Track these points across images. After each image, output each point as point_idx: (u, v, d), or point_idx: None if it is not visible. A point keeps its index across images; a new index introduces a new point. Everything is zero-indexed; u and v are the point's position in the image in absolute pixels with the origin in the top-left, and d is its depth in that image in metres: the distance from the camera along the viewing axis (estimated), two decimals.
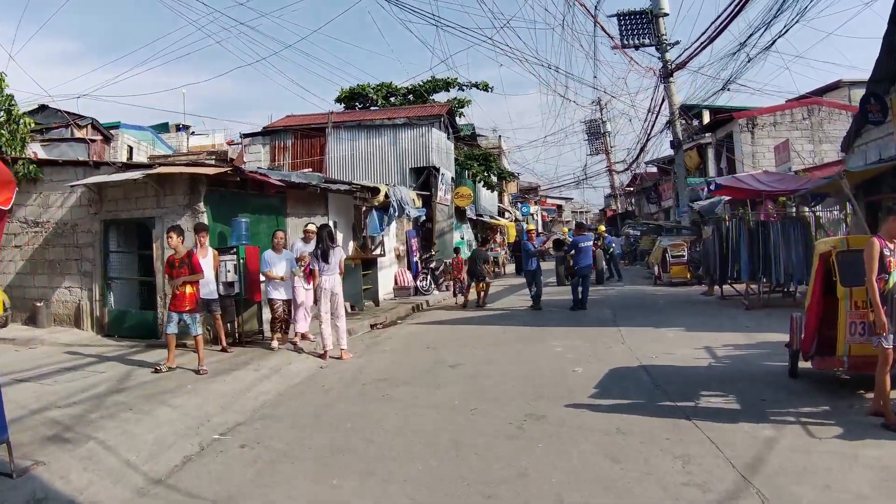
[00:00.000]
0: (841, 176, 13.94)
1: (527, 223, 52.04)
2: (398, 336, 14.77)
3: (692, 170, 41.63)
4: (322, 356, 11.76)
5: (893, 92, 15.26)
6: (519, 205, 63.93)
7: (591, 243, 18.52)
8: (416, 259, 24.40)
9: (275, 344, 12.17)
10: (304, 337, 12.73)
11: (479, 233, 38.67)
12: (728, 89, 25.73)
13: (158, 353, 11.49)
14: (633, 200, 67.21)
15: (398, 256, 23.15)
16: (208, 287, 11.63)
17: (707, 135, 36.69)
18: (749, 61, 21.99)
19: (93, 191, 13.78)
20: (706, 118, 35.82)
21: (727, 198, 22.72)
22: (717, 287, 20.04)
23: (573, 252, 18.40)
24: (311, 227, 12.89)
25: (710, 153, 38.57)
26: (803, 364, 8.85)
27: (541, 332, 14.00)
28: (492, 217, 42.68)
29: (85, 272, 13.96)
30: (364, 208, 19.48)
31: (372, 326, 16.04)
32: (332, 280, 11.80)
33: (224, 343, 12.10)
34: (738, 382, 8.80)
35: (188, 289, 10.50)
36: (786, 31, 19.09)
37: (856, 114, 18.32)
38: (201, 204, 12.84)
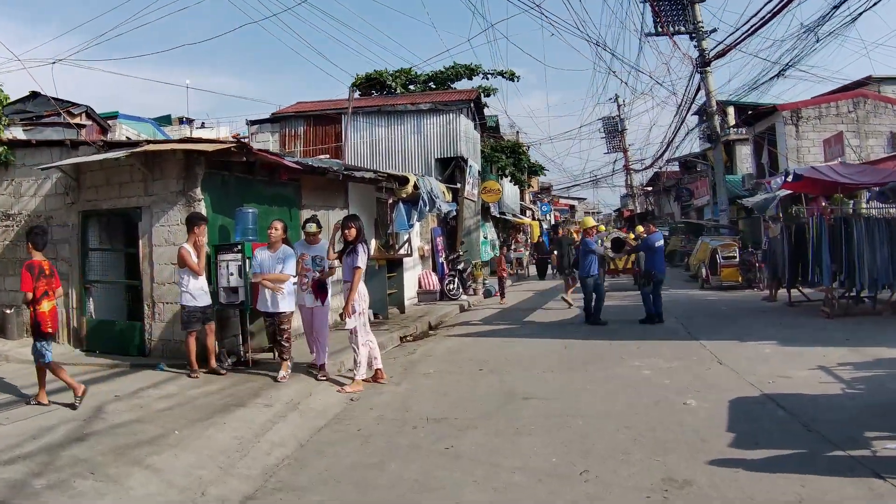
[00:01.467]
0: None
1: (550, 222, 49.68)
2: (438, 352, 12.37)
3: (706, 168, 39.54)
4: (348, 384, 9.16)
5: None
6: (538, 203, 61.47)
7: (662, 243, 15.81)
8: (441, 260, 21.94)
9: (283, 374, 9.25)
10: (321, 368, 9.67)
11: (500, 232, 36.15)
12: (784, 75, 23.28)
13: (144, 377, 9.17)
14: (651, 200, 65.01)
15: (422, 256, 20.68)
16: (205, 296, 9.70)
17: (736, 130, 34.53)
18: (818, 41, 19.43)
19: (70, 176, 11.39)
20: (731, 116, 33.46)
21: (784, 193, 20.31)
22: (777, 292, 18.31)
23: (644, 253, 15.88)
24: (312, 228, 9.70)
25: (744, 149, 36.35)
26: None
27: (611, 349, 11.80)
28: (514, 215, 40.11)
29: (60, 274, 11.35)
30: (391, 201, 16.79)
31: (402, 339, 13.71)
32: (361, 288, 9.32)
33: (213, 363, 9.77)
34: None
35: (45, 305, 7.90)
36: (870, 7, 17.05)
37: None
38: (198, 190, 10.32)
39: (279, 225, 9.51)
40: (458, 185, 23.40)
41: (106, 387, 8.85)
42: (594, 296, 15.06)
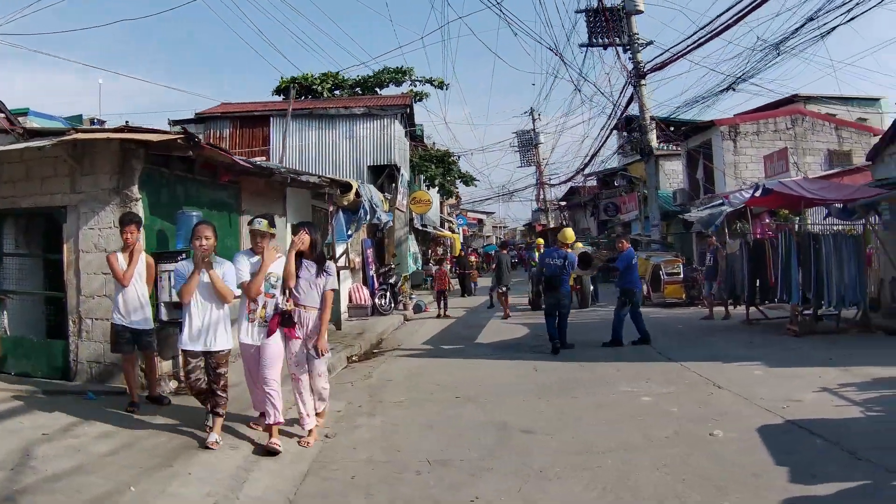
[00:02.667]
0: None
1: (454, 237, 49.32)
2: (397, 375, 11.63)
3: (638, 183, 39.97)
4: (302, 439, 7.43)
5: None
6: (456, 217, 61.29)
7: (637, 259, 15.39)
8: (372, 273, 21.18)
9: (214, 439, 6.90)
10: (268, 429, 7.13)
11: (421, 245, 35.53)
12: (734, 89, 23.51)
13: (74, 407, 7.98)
14: (566, 214, 65.69)
15: (353, 269, 19.85)
16: (140, 312, 8.29)
17: (662, 146, 34.92)
18: (779, 55, 19.61)
19: None
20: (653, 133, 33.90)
21: (731, 209, 20.43)
22: (714, 309, 18.82)
23: (621, 270, 14.95)
24: (261, 227, 7.10)
25: (670, 165, 36.83)
26: None
27: (588, 373, 11.39)
28: (436, 228, 39.57)
29: None
30: (331, 209, 15.94)
31: (349, 360, 12.97)
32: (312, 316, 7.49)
33: (155, 390, 8.67)
34: None
35: None
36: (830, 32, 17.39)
37: None
38: (135, 188, 9.17)
39: (210, 233, 6.99)
40: (390, 195, 22.74)
41: (29, 420, 7.61)
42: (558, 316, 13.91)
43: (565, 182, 54.79)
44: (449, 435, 7.72)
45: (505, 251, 25.43)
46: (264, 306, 7.08)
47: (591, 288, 23.40)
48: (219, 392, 7.03)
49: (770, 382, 9.98)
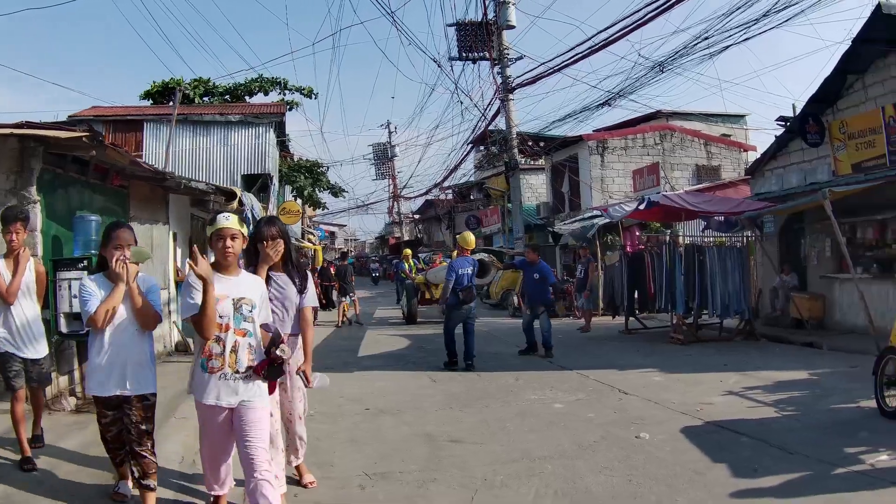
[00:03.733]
0: (825, 195, 12.88)
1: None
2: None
3: (497, 196, 40.93)
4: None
5: (830, 114, 15.88)
6: (316, 228, 60.87)
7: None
8: None
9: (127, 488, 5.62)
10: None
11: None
12: (610, 105, 24.42)
13: None
14: (420, 227, 66.49)
15: None
16: (29, 334, 6.61)
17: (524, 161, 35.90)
18: (662, 72, 20.47)
19: None
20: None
21: (604, 221, 21.30)
22: (591, 321, 19.04)
23: (536, 282, 14.67)
24: (230, 223, 4.81)
25: (532, 179, 37.86)
26: None
27: (490, 383, 11.55)
28: (298, 240, 39.15)
29: None
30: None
31: None
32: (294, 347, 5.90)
33: (39, 427, 6.97)
34: (858, 431, 7.55)
35: None
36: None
37: (780, 135, 18.20)
38: (33, 189, 8.47)
39: (133, 240, 5.26)
40: (264, 205, 22.41)
41: None
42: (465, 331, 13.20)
43: (423, 195, 55.38)
44: (377, 448, 7.63)
45: (345, 262, 25.65)
46: (234, 349, 4.73)
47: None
48: (144, 454, 5.13)
49: (674, 388, 10.51)
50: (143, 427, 5.14)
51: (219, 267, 4.82)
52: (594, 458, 6.98)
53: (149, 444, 5.17)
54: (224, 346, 4.70)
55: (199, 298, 4.55)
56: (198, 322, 4.60)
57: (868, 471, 6.24)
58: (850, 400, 9.03)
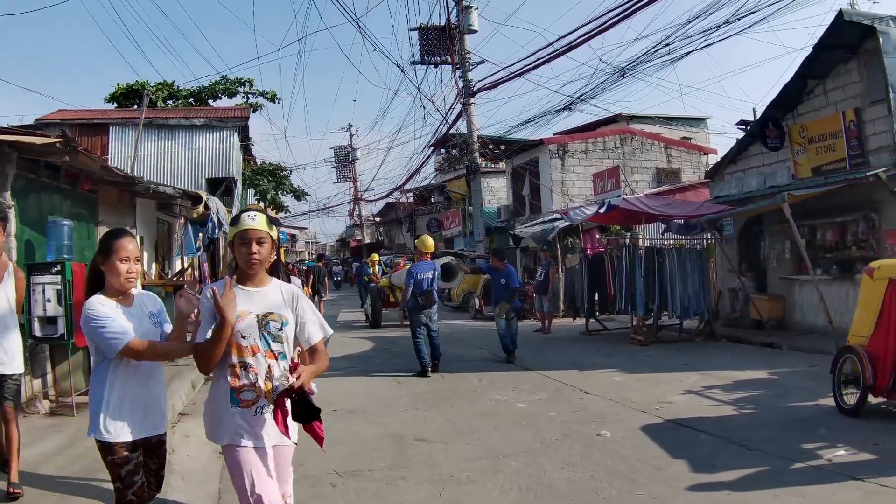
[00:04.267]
0: (784, 199, 13.19)
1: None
2: None
3: (458, 199, 41.07)
4: None
5: (790, 118, 16.20)
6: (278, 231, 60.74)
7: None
8: None
9: None
10: None
11: None
12: (571, 109, 24.60)
13: None
14: (381, 230, 66.61)
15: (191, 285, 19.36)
16: (6, 346, 5.89)
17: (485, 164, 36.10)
18: (624, 77, 20.75)
19: None
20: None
21: (564, 224, 21.45)
22: (551, 323, 19.21)
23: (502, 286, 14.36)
24: (257, 224, 3.84)
25: (492, 182, 38.04)
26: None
27: (455, 384, 11.67)
28: None
29: None
30: (181, 222, 15.57)
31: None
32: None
33: (14, 472, 5.66)
34: (817, 428, 7.82)
35: None
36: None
37: (740, 139, 18.57)
38: (7, 195, 8.40)
39: (135, 247, 4.19)
40: (229, 209, 22.34)
41: None
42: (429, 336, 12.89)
43: (384, 198, 55.44)
44: (347, 447, 7.72)
45: (321, 264, 25.65)
46: (268, 376, 3.84)
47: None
48: None
49: (635, 387, 10.74)
50: (162, 474, 4.45)
51: (242, 277, 3.94)
52: (557, 454, 7.15)
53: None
54: (256, 374, 3.81)
55: (208, 332, 3.78)
56: (199, 356, 3.79)
57: (825, 465, 6.42)
58: (809, 398, 9.28)
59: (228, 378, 3.80)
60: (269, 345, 3.84)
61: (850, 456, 6.67)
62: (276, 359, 3.85)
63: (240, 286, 3.88)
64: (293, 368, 3.81)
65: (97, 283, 4.15)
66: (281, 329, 3.89)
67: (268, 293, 3.96)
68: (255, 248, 3.82)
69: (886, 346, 7.89)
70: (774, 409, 8.89)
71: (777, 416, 8.44)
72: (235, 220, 3.92)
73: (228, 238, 4.14)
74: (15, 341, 5.98)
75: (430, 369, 12.44)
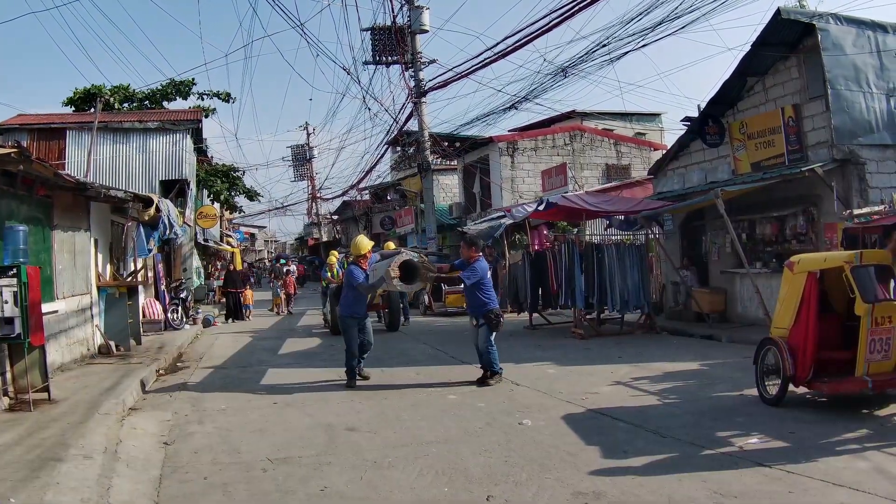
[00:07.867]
0: (717, 195, 13.52)
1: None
2: (210, 385, 11.78)
3: (412, 197, 41.18)
4: None
5: (730, 115, 16.55)
6: (235, 231, 60.43)
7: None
8: (163, 287, 20.94)
9: None
10: None
11: (203, 259, 34.72)
12: (516, 108, 24.81)
13: None
14: (339, 228, 66.64)
15: (145, 284, 19.42)
16: None
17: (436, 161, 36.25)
18: (566, 76, 20.94)
19: None
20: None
21: (510, 221, 21.65)
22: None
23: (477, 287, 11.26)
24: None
25: (445, 179, 38.15)
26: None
27: (393, 377, 11.95)
28: (217, 242, 38.88)
29: None
30: (130, 224, 15.89)
31: (157, 373, 12.86)
32: None
33: None
34: (735, 417, 8.17)
35: None
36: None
37: (681, 136, 18.86)
38: None
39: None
40: (181, 210, 22.45)
41: None
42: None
43: (339, 196, 55.46)
44: (281, 436, 8.04)
45: (279, 263, 25.73)
46: None
47: (402, 306, 20.85)
48: None
49: (565, 379, 11.07)
50: None
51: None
52: (477, 442, 7.45)
53: None
54: None
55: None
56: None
57: (735, 452, 6.68)
58: (735, 388, 9.62)
59: None
60: None
61: (763, 444, 6.95)
62: None
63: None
64: None
65: None
66: None
67: None
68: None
69: (806, 338, 8.17)
70: (697, 398, 9.19)
71: (698, 406, 8.73)
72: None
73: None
74: None
75: (355, 383, 11.08)
